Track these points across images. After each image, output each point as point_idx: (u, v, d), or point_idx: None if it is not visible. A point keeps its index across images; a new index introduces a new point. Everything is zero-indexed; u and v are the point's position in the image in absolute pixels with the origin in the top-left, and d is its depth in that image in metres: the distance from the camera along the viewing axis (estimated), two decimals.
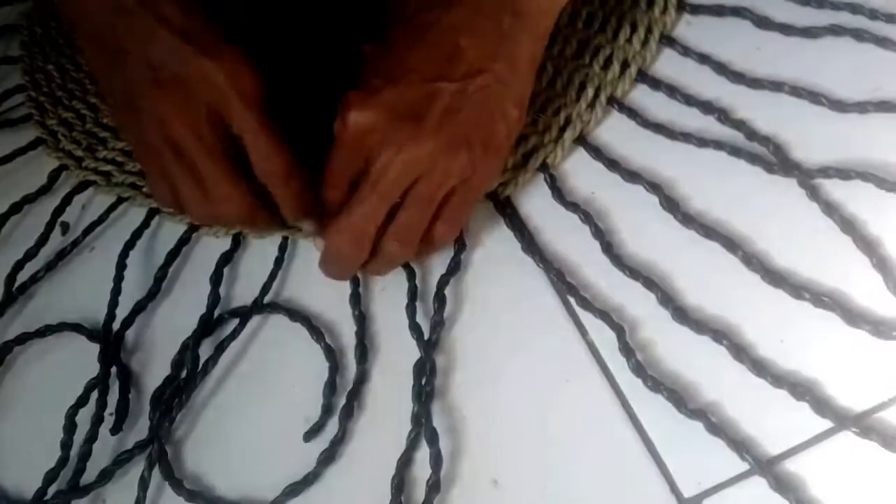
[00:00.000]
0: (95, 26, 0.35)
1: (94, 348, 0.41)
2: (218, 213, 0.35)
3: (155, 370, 0.40)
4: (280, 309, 0.39)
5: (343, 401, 0.36)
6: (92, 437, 0.38)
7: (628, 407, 0.34)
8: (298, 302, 0.40)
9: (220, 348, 0.38)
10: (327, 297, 0.39)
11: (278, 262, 0.40)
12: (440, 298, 0.37)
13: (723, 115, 0.39)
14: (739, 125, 0.39)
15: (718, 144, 0.38)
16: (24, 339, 0.42)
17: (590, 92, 0.41)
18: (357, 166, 0.34)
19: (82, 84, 0.49)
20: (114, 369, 0.39)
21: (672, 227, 0.37)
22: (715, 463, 0.32)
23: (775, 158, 0.37)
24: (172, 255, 0.42)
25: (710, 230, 0.36)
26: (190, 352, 0.39)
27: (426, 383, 0.35)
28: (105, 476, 0.37)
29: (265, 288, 0.40)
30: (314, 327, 0.38)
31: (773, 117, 0.39)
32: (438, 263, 0.39)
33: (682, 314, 0.35)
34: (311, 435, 0.36)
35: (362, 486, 0.35)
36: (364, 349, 0.37)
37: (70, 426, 0.38)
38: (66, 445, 0.38)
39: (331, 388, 0.36)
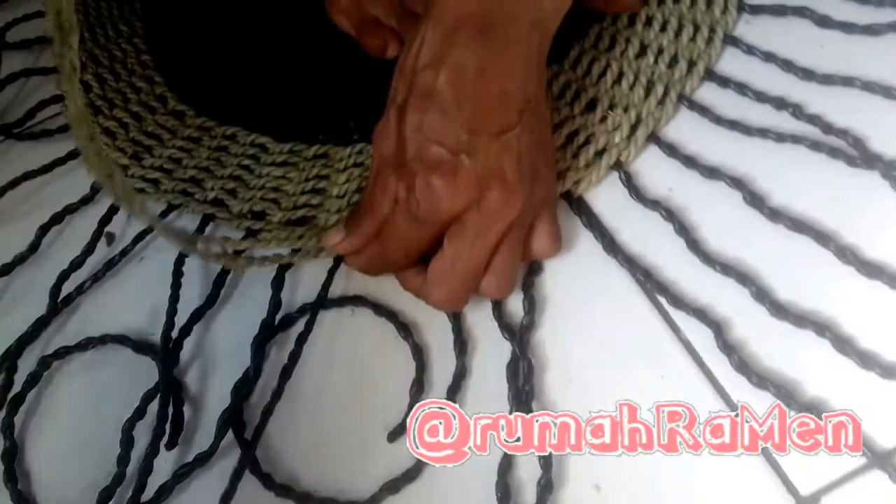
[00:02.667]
0: None
1: (140, 360, 0.39)
2: None
3: (212, 380, 0.38)
4: (366, 303, 0.37)
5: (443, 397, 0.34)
6: (153, 451, 0.35)
7: (733, 406, 0.33)
8: (381, 298, 0.38)
9: (301, 340, 0.37)
10: (408, 295, 0.37)
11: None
12: (530, 299, 0.36)
13: (797, 110, 0.39)
14: (815, 120, 0.38)
15: (797, 139, 0.38)
16: (63, 353, 0.40)
17: (659, 90, 0.41)
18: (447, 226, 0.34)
19: (123, 93, 0.48)
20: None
21: (756, 222, 0.37)
22: (830, 459, 0.31)
23: (856, 151, 0.37)
24: None
25: (799, 224, 0.35)
26: (252, 357, 0.37)
27: (524, 383, 0.33)
28: (164, 492, 0.34)
29: (327, 283, 0.38)
30: (401, 323, 0.36)
31: (845, 112, 0.39)
32: None
33: (779, 309, 0.34)
34: (394, 435, 0.34)
35: (465, 482, 0.33)
36: (463, 343, 0.35)
37: (128, 441, 0.36)
38: (123, 461, 0.35)
39: (418, 386, 0.35)
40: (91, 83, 0.49)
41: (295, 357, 0.37)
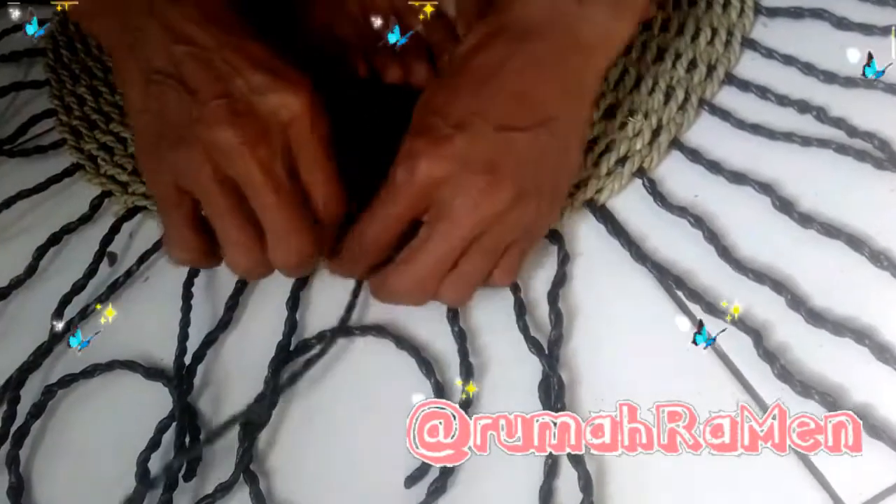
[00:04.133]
0: (148, 58, 0.32)
1: (150, 387, 0.37)
2: (276, 260, 0.33)
3: (227, 406, 0.36)
4: (386, 334, 0.36)
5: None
6: (172, 484, 0.33)
7: (773, 417, 0.32)
8: (403, 329, 0.37)
9: (308, 364, 0.35)
10: (432, 324, 0.36)
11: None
12: (556, 313, 0.34)
13: (821, 114, 0.38)
14: (839, 123, 0.38)
15: (823, 142, 0.37)
16: (68, 381, 0.38)
17: (679, 94, 0.40)
18: (417, 212, 0.32)
19: (120, 107, 0.46)
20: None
21: (785, 227, 0.36)
22: (877, 469, 0.30)
23: (883, 154, 0.36)
24: (244, 282, 0.39)
25: (831, 229, 0.35)
26: (270, 380, 0.35)
27: (556, 401, 0.32)
28: None
29: (350, 306, 0.36)
30: (423, 360, 0.35)
31: (869, 115, 0.38)
32: (538, 274, 0.37)
33: (816, 316, 0.33)
34: (412, 480, 0.32)
35: None
36: (469, 367, 0.34)
37: (143, 474, 0.34)
38: (139, 496, 0.34)
39: None
40: (85, 96, 0.47)
41: (295, 377, 0.35)
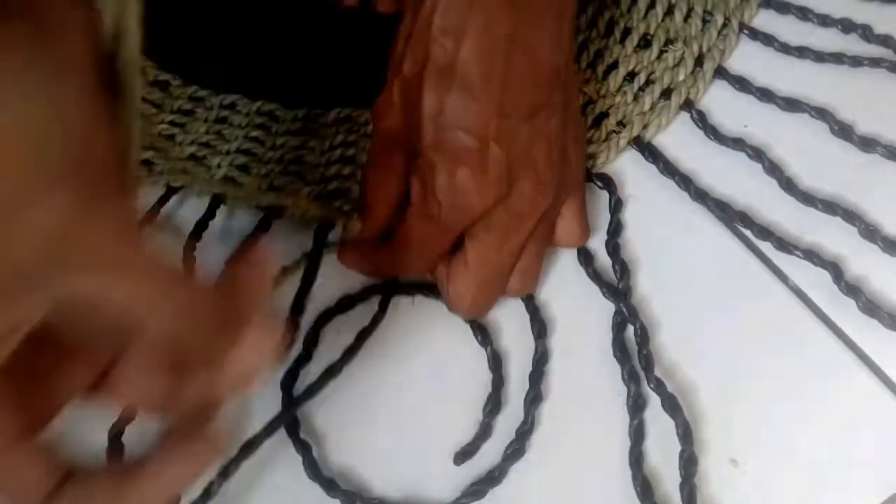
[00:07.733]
0: None
1: None
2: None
3: None
4: (437, 293, 0.32)
5: (526, 389, 0.30)
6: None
7: (860, 352, 0.30)
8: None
9: (373, 323, 0.32)
10: None
11: None
12: (620, 263, 0.32)
13: (867, 32, 0.36)
14: (887, 41, 0.36)
15: (875, 61, 0.35)
16: None
17: (718, 19, 0.37)
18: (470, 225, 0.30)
19: None
20: None
21: (846, 154, 0.34)
22: None
23: None
24: (265, 227, 0.35)
25: None
26: (305, 340, 0.32)
27: (641, 348, 0.30)
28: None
29: None
30: (479, 326, 0.31)
31: None
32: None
33: (893, 245, 0.31)
34: (462, 457, 0.30)
35: (558, 482, 0.29)
36: (542, 324, 0.31)
37: None
38: None
39: (495, 403, 0.30)
40: None
41: (353, 350, 0.31)
